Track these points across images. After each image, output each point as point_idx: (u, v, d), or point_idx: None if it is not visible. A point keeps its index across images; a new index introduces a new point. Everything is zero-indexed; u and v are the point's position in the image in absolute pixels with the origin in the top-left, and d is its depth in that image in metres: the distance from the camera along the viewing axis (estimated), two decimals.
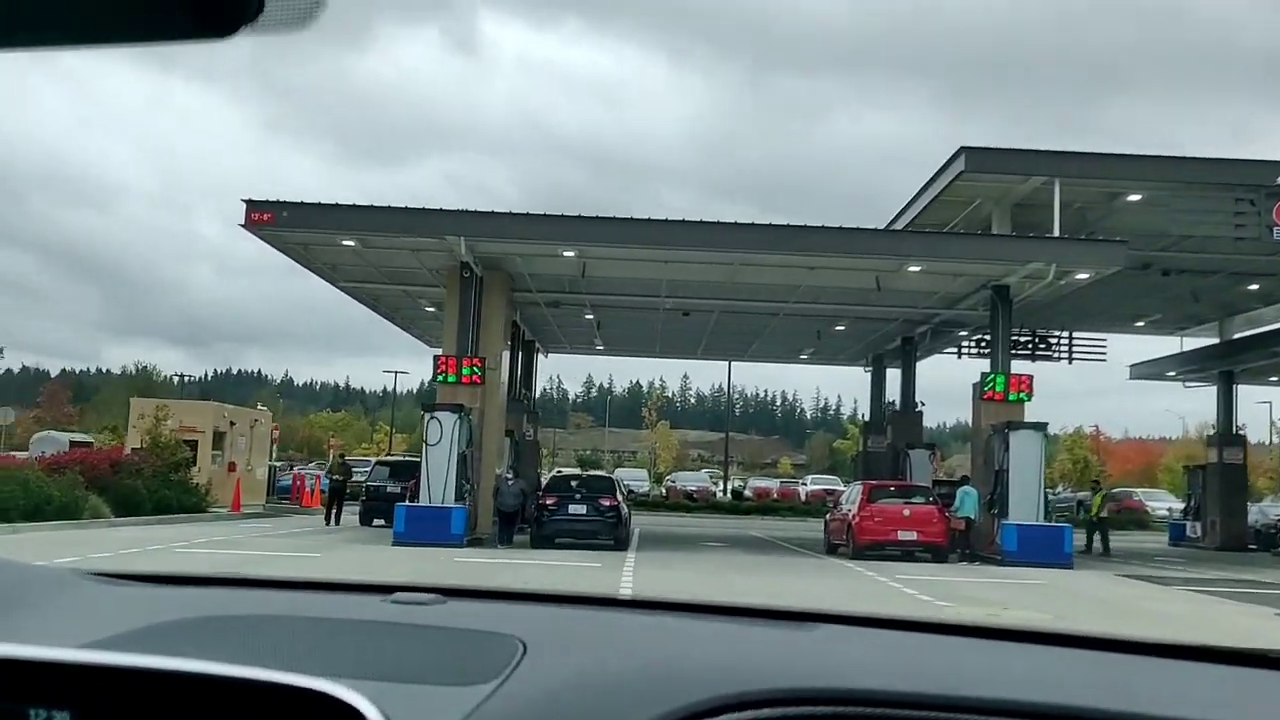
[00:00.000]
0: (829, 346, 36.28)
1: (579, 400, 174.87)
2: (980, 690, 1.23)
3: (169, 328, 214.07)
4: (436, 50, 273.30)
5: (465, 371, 23.95)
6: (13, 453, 34.51)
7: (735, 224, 22.59)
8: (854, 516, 22.87)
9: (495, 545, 22.70)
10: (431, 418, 22.47)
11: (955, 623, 1.66)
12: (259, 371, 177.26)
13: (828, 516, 25.87)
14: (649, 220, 22.69)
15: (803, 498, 54.75)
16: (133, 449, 30.76)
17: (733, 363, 55.28)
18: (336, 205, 22.35)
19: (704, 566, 19.83)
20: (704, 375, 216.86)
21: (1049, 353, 34.77)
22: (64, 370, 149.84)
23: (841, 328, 32.01)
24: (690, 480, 57.65)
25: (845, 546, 23.74)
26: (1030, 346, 34.51)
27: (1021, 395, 23.90)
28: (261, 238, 23.19)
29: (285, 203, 22.20)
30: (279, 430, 50.82)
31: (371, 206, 22.35)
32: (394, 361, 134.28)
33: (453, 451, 22.32)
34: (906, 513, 22.48)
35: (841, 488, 59.17)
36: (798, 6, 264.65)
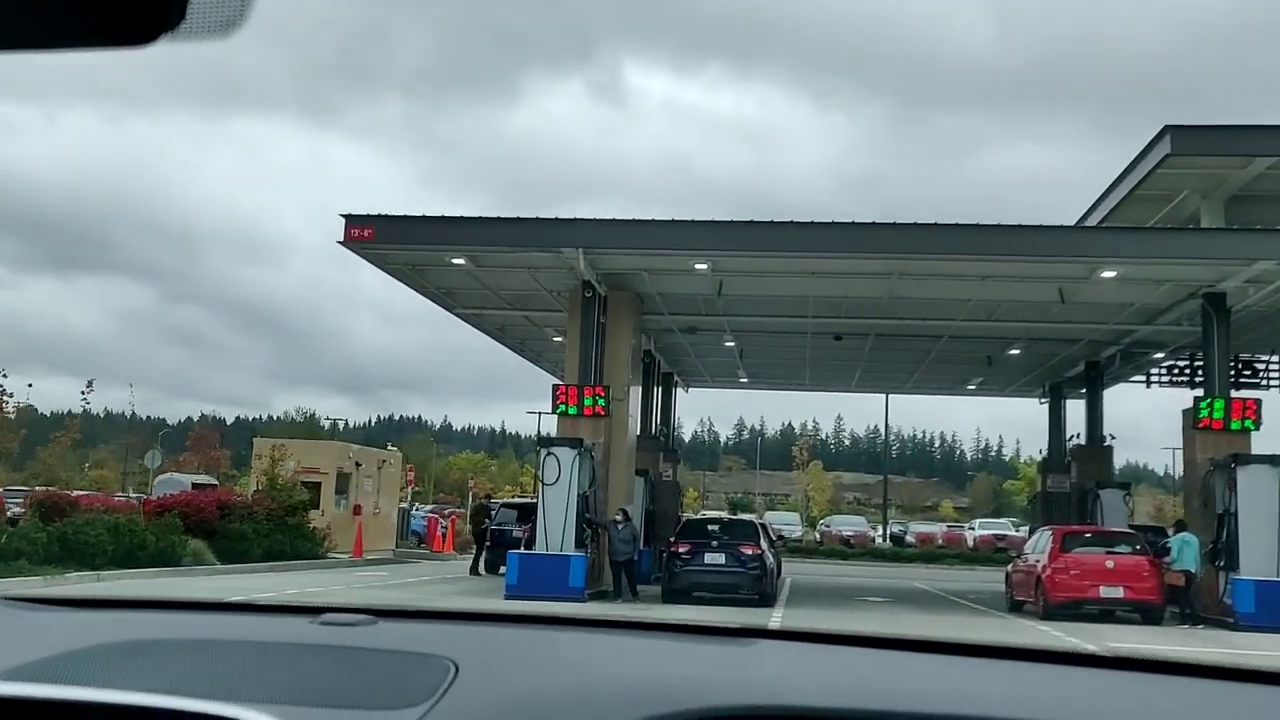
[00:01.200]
0: (1000, 375, 32.39)
1: (730, 443, 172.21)
2: (918, 705, 1.22)
3: (334, 376, 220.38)
4: (583, 100, 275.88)
5: (587, 402, 21.34)
6: (122, 495, 33.51)
7: (894, 224, 19.38)
8: (1044, 569, 19.19)
9: (617, 599, 19.88)
10: (548, 453, 19.86)
11: (895, 637, 1.61)
12: (419, 417, 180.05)
13: (1010, 568, 22.13)
14: (792, 223, 19.69)
15: (970, 544, 50.36)
16: (252, 492, 29.25)
17: (891, 396, 51.44)
18: (439, 218, 20.14)
19: (863, 629, 16.50)
20: (858, 417, 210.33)
21: (1255, 380, 30.16)
22: (238, 418, 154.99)
23: (1016, 351, 28.21)
24: (846, 524, 53.73)
25: (1033, 604, 20.06)
26: (1233, 372, 30.03)
27: (1247, 423, 19.88)
28: (364, 256, 21.14)
29: (385, 216, 20.09)
30: (415, 472, 49.26)
31: (477, 218, 20.09)
32: (544, 405, 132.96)
33: (572, 491, 19.65)
34: (1110, 564, 18.69)
35: (1013, 533, 54.58)
36: (943, 42, 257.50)
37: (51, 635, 1.47)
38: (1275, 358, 29.63)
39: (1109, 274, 19.76)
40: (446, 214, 20.18)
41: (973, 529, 54.92)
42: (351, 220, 19.75)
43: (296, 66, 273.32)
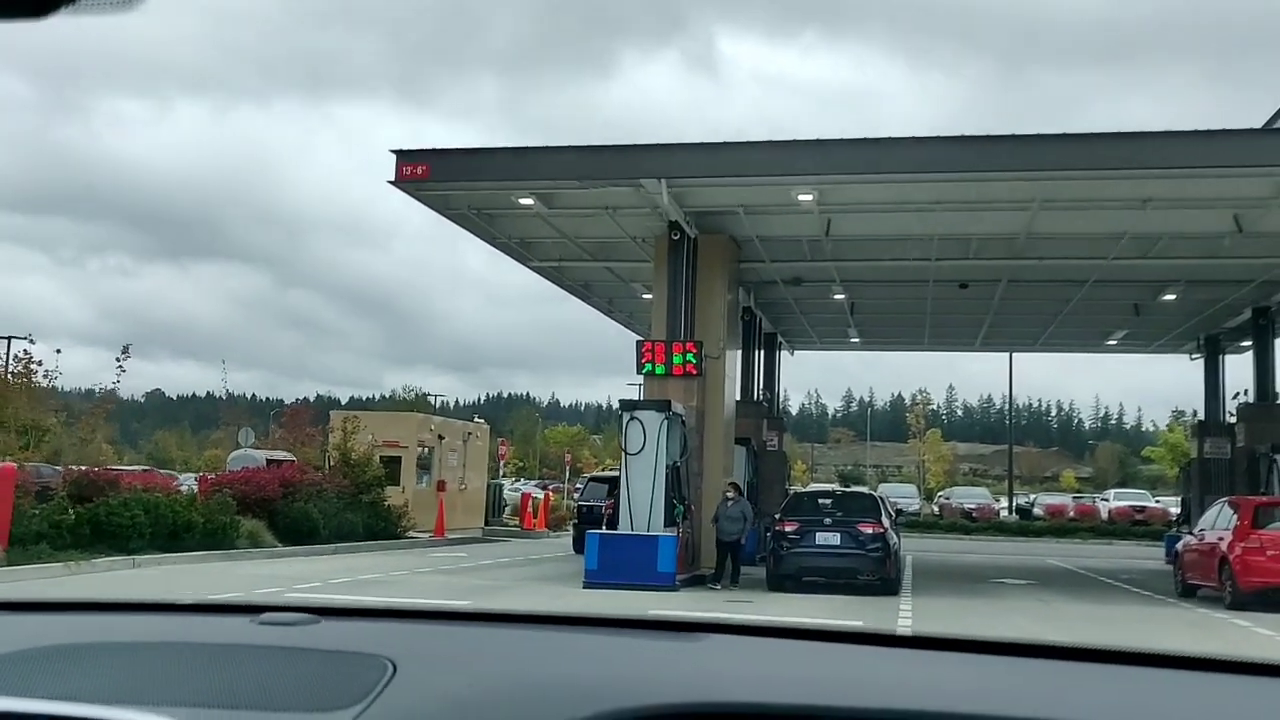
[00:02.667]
0: (1148, 326, 28.64)
1: (839, 415, 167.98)
2: (867, 700, 1.21)
3: (442, 355, 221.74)
4: (678, 71, 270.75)
5: (676, 360, 18.61)
6: (169, 473, 31.86)
7: (1038, 134, 16.08)
8: (1232, 548, 15.84)
9: (715, 586, 17.14)
10: (631, 418, 17.16)
11: (848, 630, 1.58)
12: (528, 394, 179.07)
13: (1180, 546, 18.68)
14: (910, 139, 16.54)
15: (1105, 515, 46.24)
16: (321, 468, 27.28)
17: (1015, 357, 47.57)
18: (501, 149, 17.55)
19: (1024, 626, 13.46)
20: (970, 386, 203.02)
21: None
22: (351, 398, 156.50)
23: (1171, 297, 24.53)
24: (967, 497, 50.01)
25: (1214, 588, 16.73)
26: None
27: None
28: (421, 199, 18.70)
29: (441, 150, 17.59)
30: (508, 445, 47.13)
31: (543, 147, 17.36)
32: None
33: (659, 462, 16.94)
34: None
35: (1152, 503, 50.26)
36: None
37: None
38: None
39: None
40: (508, 145, 17.53)
41: (1106, 500, 50.60)
42: (404, 156, 17.27)
43: (392, 50, 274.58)
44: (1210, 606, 16.32)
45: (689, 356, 18.62)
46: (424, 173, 17.33)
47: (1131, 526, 43.73)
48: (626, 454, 17.09)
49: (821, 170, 16.41)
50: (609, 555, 16.39)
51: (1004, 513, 48.99)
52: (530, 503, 36.91)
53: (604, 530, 17.22)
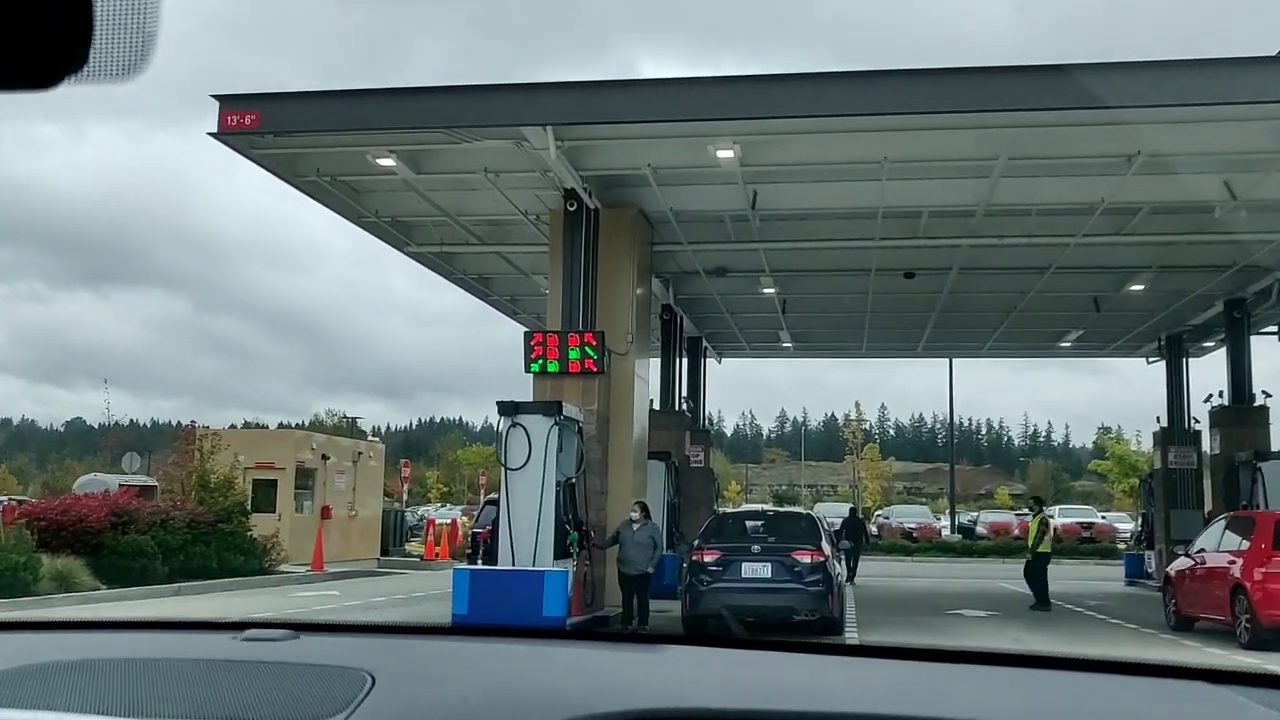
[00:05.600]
0: (1106, 324, 26.00)
1: (773, 435, 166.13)
2: (827, 705, 1.27)
3: (373, 380, 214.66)
4: None
5: (573, 355, 15.34)
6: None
7: (1008, 67, 13.00)
8: (1247, 575, 12.86)
9: (628, 626, 13.80)
10: (513, 424, 13.79)
11: (811, 642, 1.70)
12: (460, 418, 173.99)
13: (1172, 570, 15.66)
14: (847, 74, 13.36)
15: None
16: (162, 495, 23.57)
17: (948, 372, 44.96)
18: (347, 91, 14.07)
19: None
20: (903, 405, 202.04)
21: None
22: (281, 423, 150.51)
23: (1138, 287, 21.82)
24: (908, 516, 47.20)
25: (1223, 623, 13.78)
26: None
27: None
28: (259, 161, 15.24)
29: (274, 95, 14.15)
30: (410, 467, 43.39)
31: (398, 89, 13.86)
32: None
33: (547, 479, 13.59)
34: None
35: (1099, 520, 47.92)
36: None
37: None
38: None
39: None
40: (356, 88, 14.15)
41: (1053, 517, 48.09)
42: (229, 103, 13.79)
43: (315, 77, 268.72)
44: (1223, 644, 13.36)
45: (588, 350, 15.34)
46: (253, 122, 13.85)
47: (1079, 544, 41.32)
48: (506, 469, 13.72)
49: (742, 113, 13.19)
50: (483, 596, 12.94)
51: (945, 532, 46.31)
52: (434, 530, 33.26)
53: (478, 565, 13.80)
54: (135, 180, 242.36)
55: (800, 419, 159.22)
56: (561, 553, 13.62)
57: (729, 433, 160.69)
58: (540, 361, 15.36)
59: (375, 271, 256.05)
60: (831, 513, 42.69)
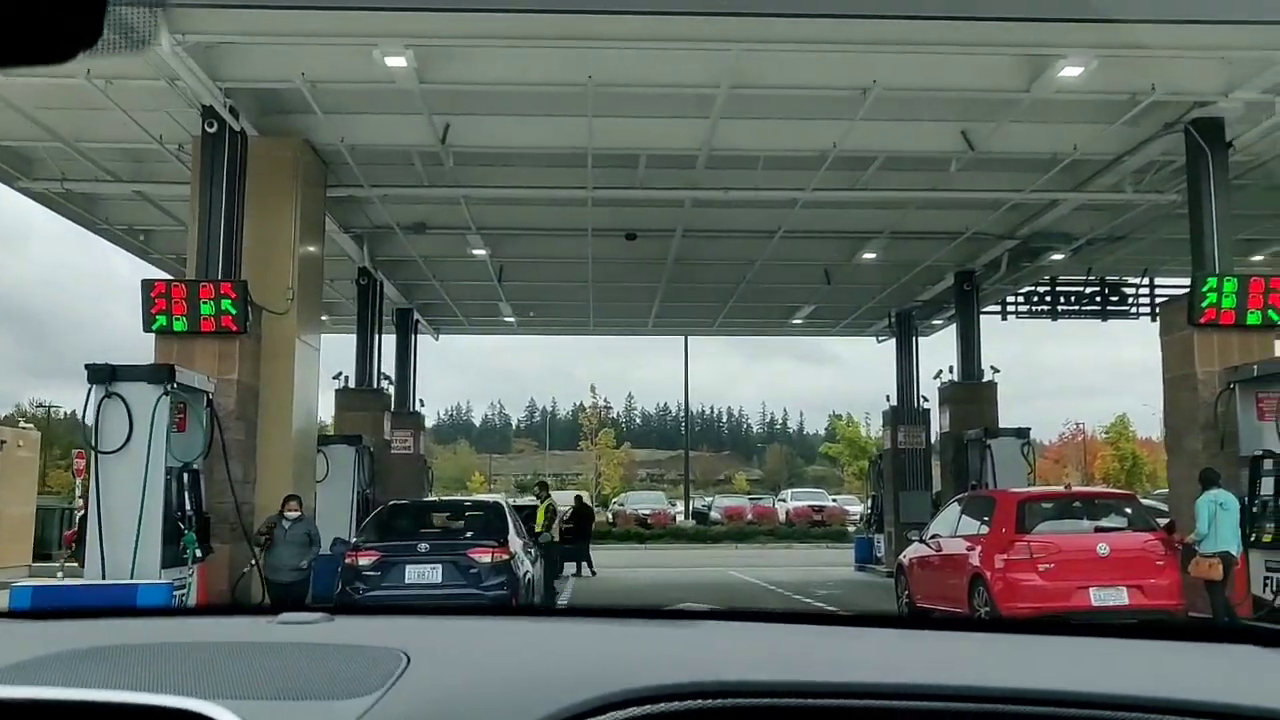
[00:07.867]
0: (837, 299, 24.96)
1: (522, 425, 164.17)
2: (853, 675, 1.24)
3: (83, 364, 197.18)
4: None
5: (206, 310, 12.27)
6: None
7: None
8: (990, 560, 11.32)
9: None
10: (108, 394, 10.63)
11: (828, 613, 1.67)
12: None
13: (905, 558, 14.13)
14: None
15: (783, 517, 43.34)
16: None
17: (689, 363, 43.87)
18: None
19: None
20: (649, 395, 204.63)
21: (1124, 308, 23.86)
22: None
23: (871, 255, 20.66)
24: (642, 502, 45.76)
25: (959, 614, 12.31)
26: (1099, 300, 23.68)
27: (1273, 314, 12.69)
28: None
29: None
30: (85, 459, 38.15)
31: None
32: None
33: (152, 466, 10.53)
34: (1103, 549, 10.95)
35: (830, 503, 48.15)
36: None
37: (7, 644, 1.44)
38: (1145, 281, 23.25)
39: (1071, 72, 12.01)
40: None
41: (784, 500, 47.97)
42: None
43: None
44: None
45: (226, 305, 12.30)
46: None
47: (810, 528, 41.01)
48: (97, 452, 10.55)
49: (406, 1, 10.55)
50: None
51: (680, 517, 45.24)
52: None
53: (41, 582, 10.60)
54: None
55: (549, 408, 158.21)
56: (174, 560, 10.60)
57: (477, 423, 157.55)
58: (164, 317, 12.21)
59: (91, 255, 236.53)
60: (566, 501, 40.84)
